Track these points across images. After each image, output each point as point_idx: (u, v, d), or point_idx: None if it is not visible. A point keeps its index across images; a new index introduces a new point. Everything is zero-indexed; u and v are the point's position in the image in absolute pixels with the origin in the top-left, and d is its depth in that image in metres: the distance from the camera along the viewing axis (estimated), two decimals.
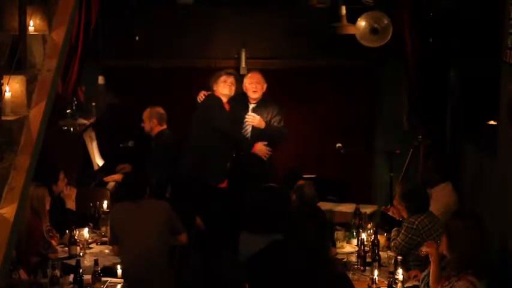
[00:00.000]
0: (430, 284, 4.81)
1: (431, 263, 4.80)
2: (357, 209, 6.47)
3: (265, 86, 7.25)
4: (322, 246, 5.45)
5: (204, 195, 6.83)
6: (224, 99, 7.12)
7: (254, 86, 7.21)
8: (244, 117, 7.25)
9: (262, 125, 7.12)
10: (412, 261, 5.48)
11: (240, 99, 7.34)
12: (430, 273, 4.80)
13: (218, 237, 6.47)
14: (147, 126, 7.46)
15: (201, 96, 7.18)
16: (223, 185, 7.01)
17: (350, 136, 8.19)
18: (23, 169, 4.30)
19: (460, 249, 4.51)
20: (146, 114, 7.47)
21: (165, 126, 7.45)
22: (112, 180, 7.37)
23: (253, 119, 7.10)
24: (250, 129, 7.21)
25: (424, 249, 4.92)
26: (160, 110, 7.47)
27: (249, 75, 7.33)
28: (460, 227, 4.60)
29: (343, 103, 8.42)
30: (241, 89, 7.31)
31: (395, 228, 5.77)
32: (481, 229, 4.65)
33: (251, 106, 7.26)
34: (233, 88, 7.13)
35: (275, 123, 7.21)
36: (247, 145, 7.10)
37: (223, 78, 7.10)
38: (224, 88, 7.08)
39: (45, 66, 4.69)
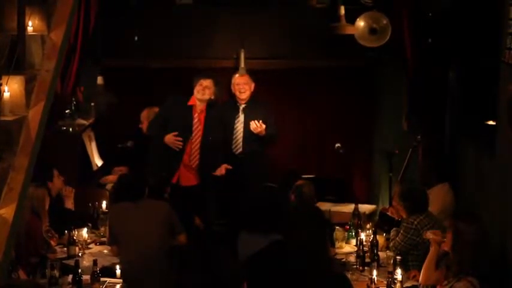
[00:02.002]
0: (423, 269, 4.82)
1: (431, 251, 4.82)
2: (356, 209, 6.47)
3: (252, 86, 7.34)
4: (321, 246, 5.45)
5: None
6: (198, 102, 7.05)
7: (241, 87, 7.31)
8: (234, 119, 7.31)
9: (263, 132, 7.13)
10: (411, 261, 5.48)
11: (230, 101, 7.41)
12: (426, 260, 4.81)
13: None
14: (145, 127, 7.45)
15: None
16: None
17: (349, 136, 8.19)
18: (22, 169, 4.30)
19: (465, 252, 4.51)
20: (144, 115, 7.48)
21: None
22: (108, 181, 7.36)
23: (256, 127, 7.10)
24: (242, 130, 7.24)
25: (429, 235, 4.92)
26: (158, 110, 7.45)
27: (235, 76, 7.41)
28: (470, 231, 4.57)
29: (342, 103, 8.42)
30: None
31: (394, 228, 5.77)
32: (485, 233, 4.65)
33: (241, 107, 7.32)
34: (207, 92, 7.01)
35: (270, 126, 7.21)
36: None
37: (199, 81, 7.03)
38: (197, 92, 7.03)
39: (44, 66, 4.69)
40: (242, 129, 7.27)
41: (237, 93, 7.33)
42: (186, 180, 7.04)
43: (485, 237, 4.63)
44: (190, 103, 7.08)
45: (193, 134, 7.01)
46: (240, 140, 7.28)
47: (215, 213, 7.21)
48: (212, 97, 7.06)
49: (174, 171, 7.00)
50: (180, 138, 6.95)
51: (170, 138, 6.96)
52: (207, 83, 7.00)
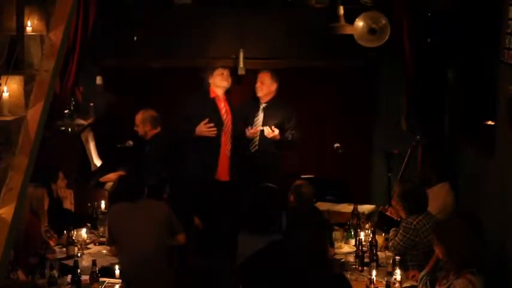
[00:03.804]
0: None
1: None
2: (355, 209, 6.47)
3: (273, 87, 7.34)
4: (320, 246, 5.46)
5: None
6: (221, 92, 7.18)
7: (257, 85, 7.35)
8: (255, 117, 7.32)
9: (277, 137, 7.15)
10: (410, 261, 5.48)
11: (252, 99, 7.41)
12: None
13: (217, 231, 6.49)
14: (141, 130, 7.32)
15: None
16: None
17: (348, 136, 8.19)
18: (21, 169, 4.30)
19: (454, 252, 4.54)
20: (139, 118, 7.30)
21: (159, 129, 7.31)
22: (108, 180, 7.35)
23: (268, 133, 7.12)
24: (259, 129, 7.24)
25: None
26: (153, 113, 7.31)
27: (258, 74, 7.43)
28: (448, 231, 4.64)
29: (341, 103, 8.41)
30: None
31: (393, 229, 5.77)
32: (471, 227, 4.68)
33: (261, 106, 7.34)
34: (230, 81, 7.21)
35: (290, 129, 7.27)
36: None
37: (219, 71, 7.21)
38: (222, 81, 7.19)
39: (43, 66, 4.69)
40: (259, 130, 7.27)
41: (256, 92, 7.39)
42: (224, 175, 7.14)
43: (472, 231, 4.66)
44: (212, 96, 7.14)
45: (224, 124, 7.08)
46: (257, 138, 7.29)
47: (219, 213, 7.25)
48: None
49: (215, 165, 7.09)
50: (212, 124, 7.04)
51: (201, 127, 7.05)
52: (227, 71, 7.23)
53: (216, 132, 7.09)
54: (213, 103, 7.19)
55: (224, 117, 7.18)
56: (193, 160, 7.14)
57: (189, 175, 7.13)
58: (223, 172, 7.19)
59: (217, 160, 7.14)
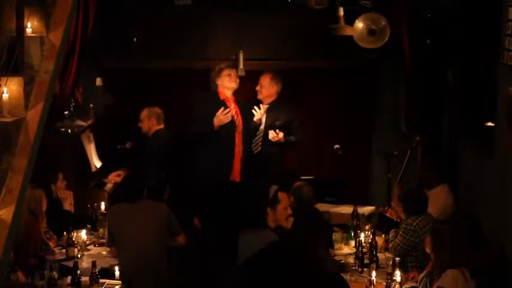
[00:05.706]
0: None
1: None
2: (355, 210, 6.47)
3: (273, 89, 7.33)
4: (320, 247, 5.46)
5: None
6: (230, 92, 7.16)
7: (257, 88, 7.35)
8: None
9: (282, 140, 7.15)
10: (410, 262, 5.49)
11: (254, 100, 7.42)
12: None
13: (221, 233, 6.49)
14: (145, 126, 7.47)
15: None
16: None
17: (348, 137, 8.19)
18: (21, 171, 4.29)
19: (439, 251, 4.56)
20: (144, 114, 7.50)
21: (162, 126, 7.48)
22: (113, 181, 7.36)
23: (273, 136, 7.11)
24: (262, 130, 7.26)
25: None
26: (159, 110, 7.52)
27: (260, 77, 7.43)
28: (446, 230, 4.66)
29: (341, 104, 8.42)
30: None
31: (393, 230, 5.78)
32: (471, 227, 4.69)
33: (264, 107, 7.32)
34: (237, 81, 7.16)
35: (292, 131, 7.26)
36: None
37: (226, 71, 7.16)
38: (230, 82, 7.15)
39: (43, 67, 4.68)
40: (263, 130, 7.27)
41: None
42: (237, 175, 7.14)
43: (468, 233, 4.67)
44: (222, 98, 7.13)
45: (236, 124, 7.09)
46: (260, 140, 7.29)
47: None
48: None
49: (231, 166, 7.07)
50: (228, 110, 7.03)
51: (220, 116, 6.98)
52: (234, 72, 7.18)
53: (230, 115, 7.04)
54: (223, 105, 7.13)
55: (235, 117, 7.16)
56: (207, 161, 7.07)
57: (202, 176, 7.07)
58: (237, 173, 7.18)
59: (232, 161, 7.12)
